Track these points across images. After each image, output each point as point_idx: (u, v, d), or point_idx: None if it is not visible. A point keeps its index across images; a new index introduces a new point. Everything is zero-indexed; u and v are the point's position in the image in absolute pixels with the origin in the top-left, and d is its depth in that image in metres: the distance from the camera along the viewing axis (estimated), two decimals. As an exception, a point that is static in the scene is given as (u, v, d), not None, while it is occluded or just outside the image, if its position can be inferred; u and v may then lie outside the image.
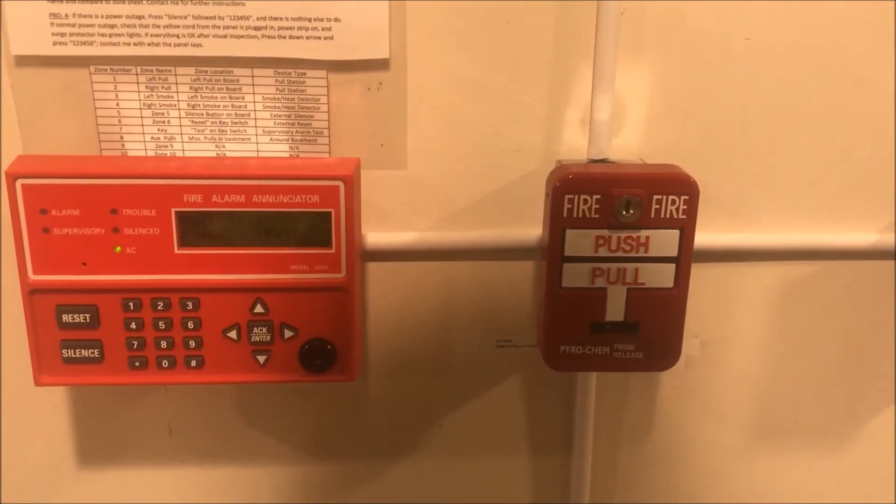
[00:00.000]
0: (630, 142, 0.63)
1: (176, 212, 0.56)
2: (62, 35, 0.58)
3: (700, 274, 0.65)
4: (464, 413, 0.70)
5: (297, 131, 0.61)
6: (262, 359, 0.59)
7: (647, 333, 0.59)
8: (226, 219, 0.56)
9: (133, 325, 0.58)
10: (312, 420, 0.69)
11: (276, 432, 0.70)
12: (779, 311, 0.68)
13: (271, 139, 0.61)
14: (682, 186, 0.56)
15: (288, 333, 0.59)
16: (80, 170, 0.55)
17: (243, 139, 0.61)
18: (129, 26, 0.58)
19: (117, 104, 0.60)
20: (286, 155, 0.61)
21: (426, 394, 0.69)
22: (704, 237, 0.64)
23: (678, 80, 0.61)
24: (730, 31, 0.60)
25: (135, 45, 0.58)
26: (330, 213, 0.56)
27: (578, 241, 0.57)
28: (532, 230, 0.64)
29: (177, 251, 0.56)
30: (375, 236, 0.63)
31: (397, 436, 0.71)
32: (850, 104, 0.62)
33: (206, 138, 0.61)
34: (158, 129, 0.61)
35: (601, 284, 0.58)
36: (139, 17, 0.58)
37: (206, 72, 0.60)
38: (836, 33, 0.61)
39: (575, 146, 0.63)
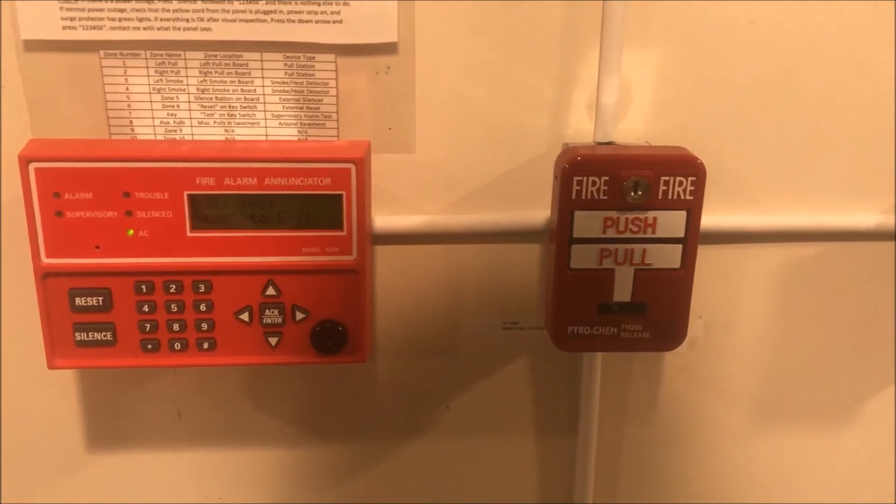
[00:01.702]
0: (636, 125, 0.63)
1: (188, 195, 0.56)
2: (72, 20, 0.58)
3: (704, 255, 0.66)
4: (471, 394, 0.71)
5: (305, 115, 0.62)
6: (273, 341, 0.59)
7: (654, 314, 0.60)
8: (238, 201, 0.56)
9: (145, 308, 0.58)
10: (321, 403, 0.70)
11: (285, 415, 0.70)
12: (782, 293, 0.69)
13: (280, 123, 0.62)
14: (689, 168, 0.56)
15: (299, 315, 0.59)
16: (93, 153, 0.55)
17: (252, 123, 0.62)
18: (138, 10, 0.58)
19: (127, 88, 0.60)
20: (295, 139, 0.62)
21: (434, 375, 0.70)
22: (709, 219, 0.64)
23: (683, 63, 0.62)
24: (735, 15, 0.61)
25: (144, 29, 0.58)
26: (341, 196, 0.57)
27: (587, 223, 0.58)
28: (539, 213, 0.64)
29: (189, 234, 0.57)
30: (384, 220, 0.64)
31: (405, 417, 0.71)
32: (854, 86, 0.63)
33: (215, 122, 0.62)
34: (168, 114, 0.61)
35: (609, 265, 0.59)
36: (149, 2, 0.58)
37: (216, 56, 0.60)
38: (839, 16, 0.61)
39: (581, 130, 0.63)
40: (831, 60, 0.62)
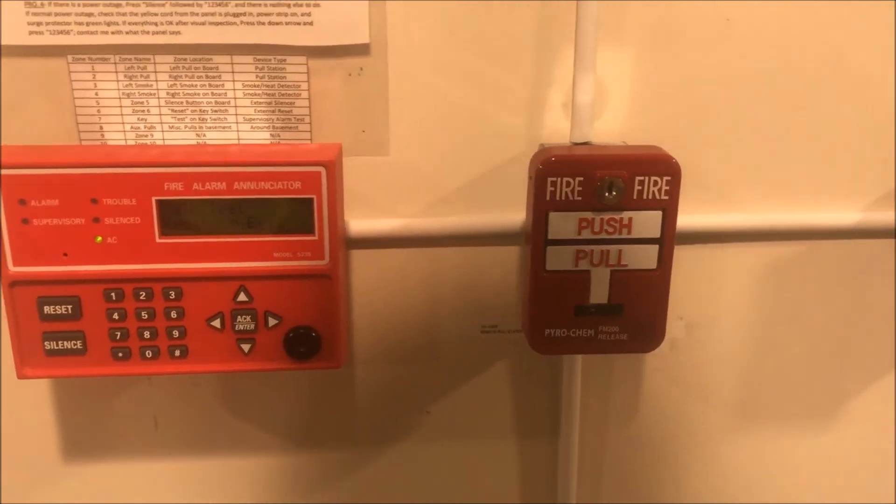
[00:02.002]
0: (612, 125, 0.63)
1: (157, 200, 0.55)
2: (38, 24, 0.57)
3: (684, 255, 0.66)
4: (451, 399, 0.70)
5: (277, 118, 0.61)
6: (246, 347, 0.59)
7: (631, 315, 0.59)
8: (207, 207, 0.56)
9: (115, 316, 0.57)
10: (299, 409, 0.69)
11: (263, 422, 0.70)
12: (763, 292, 0.68)
13: (252, 127, 0.61)
14: (664, 167, 0.56)
15: (272, 321, 0.58)
16: (58, 159, 0.55)
17: (224, 127, 0.61)
18: (106, 14, 0.57)
19: (96, 93, 0.60)
20: (267, 142, 0.61)
21: (413, 380, 0.69)
22: (688, 219, 0.64)
23: (659, 62, 0.61)
24: (710, 12, 0.60)
25: (112, 33, 0.58)
26: (312, 200, 0.56)
27: (562, 224, 0.57)
28: (517, 215, 0.63)
29: (158, 240, 0.56)
30: (359, 223, 0.63)
31: (385, 423, 0.71)
32: (831, 83, 0.63)
33: (186, 126, 0.61)
34: (138, 118, 0.61)
35: (585, 267, 0.58)
36: (116, 5, 0.57)
37: (186, 59, 0.59)
38: (816, 13, 0.61)
39: (558, 129, 0.63)
40: (808, 57, 0.62)
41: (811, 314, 0.69)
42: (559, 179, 0.56)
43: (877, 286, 0.68)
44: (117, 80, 0.60)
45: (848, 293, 0.69)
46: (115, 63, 0.59)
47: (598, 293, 0.59)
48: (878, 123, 0.64)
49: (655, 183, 0.56)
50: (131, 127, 0.61)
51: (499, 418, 0.71)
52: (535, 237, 0.58)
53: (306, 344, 0.58)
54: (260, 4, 0.57)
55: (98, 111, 0.60)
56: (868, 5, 0.61)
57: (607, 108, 0.63)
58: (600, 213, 0.57)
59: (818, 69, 0.62)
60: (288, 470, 0.71)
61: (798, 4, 0.60)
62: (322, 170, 0.55)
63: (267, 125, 0.61)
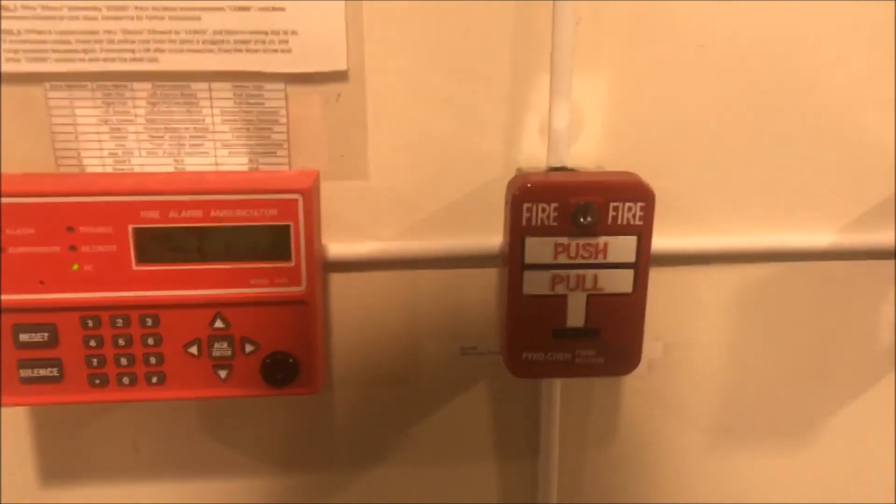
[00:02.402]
0: (588, 149, 0.63)
1: (133, 228, 0.55)
2: (15, 52, 0.57)
3: (661, 278, 0.66)
4: (430, 421, 0.70)
5: (256, 144, 0.61)
6: (223, 373, 0.59)
7: (607, 338, 0.59)
8: (183, 234, 0.56)
9: (92, 343, 0.57)
10: (279, 432, 0.69)
11: (243, 446, 0.69)
12: (739, 313, 0.69)
13: (230, 152, 0.61)
14: (638, 193, 0.56)
15: (249, 348, 0.58)
16: (34, 188, 0.55)
17: (202, 153, 0.61)
18: (83, 42, 0.57)
19: (74, 120, 0.60)
20: (245, 168, 0.61)
21: (392, 403, 0.69)
22: (664, 241, 0.64)
23: (634, 87, 0.62)
24: (684, 39, 0.61)
25: (90, 60, 0.58)
26: (289, 227, 0.56)
27: (538, 249, 0.57)
28: (495, 237, 0.64)
29: (135, 267, 0.56)
30: (338, 247, 0.63)
31: (364, 446, 0.71)
32: (804, 107, 0.63)
33: (164, 153, 0.61)
34: (116, 145, 0.61)
35: (561, 291, 0.58)
36: (93, 33, 0.57)
37: (164, 86, 0.60)
38: (789, 38, 0.62)
39: (534, 154, 0.63)
40: (781, 83, 0.63)
41: (787, 335, 0.70)
42: (535, 205, 0.56)
43: (851, 307, 0.69)
44: (95, 107, 0.60)
45: (823, 314, 0.69)
46: (92, 90, 0.59)
47: (575, 317, 0.59)
48: (851, 147, 0.65)
49: (630, 209, 0.56)
50: (109, 153, 0.61)
51: (478, 440, 0.71)
52: (512, 261, 0.58)
53: (283, 370, 0.59)
54: (237, 32, 0.58)
55: (76, 137, 0.60)
56: (840, 30, 0.61)
57: (583, 134, 0.63)
58: (576, 238, 0.57)
59: (791, 94, 0.63)
60: (267, 493, 0.71)
61: (771, 31, 0.61)
62: (299, 197, 0.56)
63: (245, 151, 0.61)
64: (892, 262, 0.68)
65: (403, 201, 0.64)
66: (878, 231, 0.67)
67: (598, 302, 0.59)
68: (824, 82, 0.63)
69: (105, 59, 0.58)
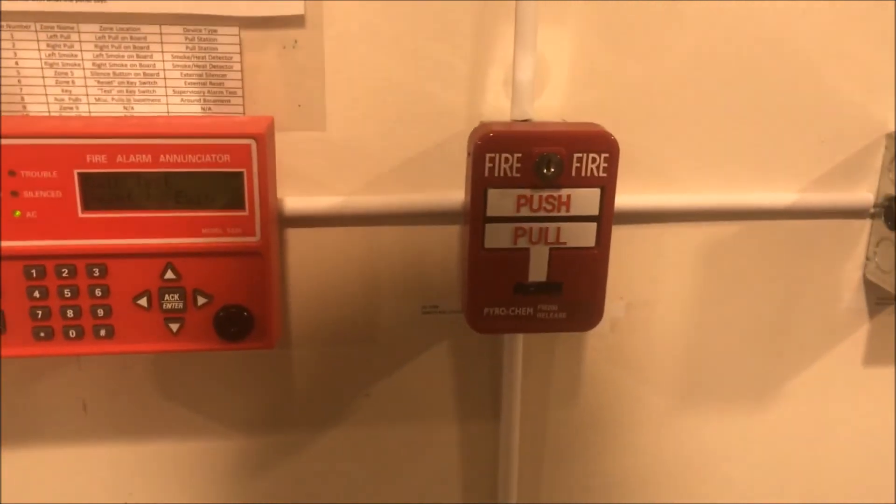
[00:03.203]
0: (553, 102, 0.62)
1: (79, 173, 0.53)
2: (-48, -12, 0.54)
3: (624, 235, 0.65)
4: (391, 381, 0.69)
5: (209, 91, 0.59)
6: (174, 327, 0.57)
7: (569, 293, 0.59)
8: (132, 180, 0.54)
9: (37, 294, 0.55)
10: (235, 392, 0.68)
11: (197, 405, 0.68)
12: (703, 272, 0.68)
13: (182, 100, 0.59)
14: (602, 144, 0.55)
15: (201, 300, 0.56)
16: (-28, 129, 0.52)
17: (153, 100, 0.59)
18: (26, -20, 0.55)
19: (16, 63, 0.57)
20: (198, 115, 0.59)
21: (352, 362, 0.68)
22: (628, 198, 0.64)
23: (600, 41, 0.61)
24: (650, -10, 0.60)
25: (34, -1, 0.55)
26: (242, 174, 0.54)
27: (500, 201, 0.56)
28: (458, 193, 0.62)
29: (81, 215, 0.54)
30: (295, 201, 0.62)
31: (324, 406, 0.69)
32: (770, 64, 0.63)
33: (113, 99, 0.59)
34: (62, 90, 0.58)
35: (524, 245, 0.57)
36: (37, -30, 0.55)
37: (112, 29, 0.57)
38: (754, -8, 0.61)
39: (499, 107, 0.62)
40: (748, 39, 0.62)
41: (750, 294, 0.69)
42: (497, 156, 0.55)
43: (815, 266, 0.69)
44: (39, 50, 0.57)
45: (786, 273, 0.69)
46: (36, 31, 0.57)
47: (537, 271, 0.58)
48: (816, 105, 0.64)
49: (594, 160, 0.55)
50: (55, 99, 0.58)
51: (440, 400, 0.70)
52: (473, 214, 0.57)
53: (238, 324, 0.57)
54: (190, -28, 0.55)
55: (19, 81, 0.58)
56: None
57: (548, 87, 0.62)
58: (539, 190, 0.56)
59: (758, 50, 0.62)
60: (223, 454, 0.70)
61: (737, -17, 0.60)
62: (252, 142, 0.54)
63: (198, 98, 0.59)
64: (857, 221, 0.68)
65: (363, 154, 0.62)
66: (843, 190, 0.67)
67: (561, 256, 0.58)
68: (790, 39, 0.62)
69: (50, -1, 0.55)
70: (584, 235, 0.57)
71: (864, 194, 0.67)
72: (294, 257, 0.64)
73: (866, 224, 0.68)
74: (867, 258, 0.69)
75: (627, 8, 0.60)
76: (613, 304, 0.68)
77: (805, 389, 0.73)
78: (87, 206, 0.54)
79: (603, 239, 0.58)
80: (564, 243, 0.57)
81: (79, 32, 0.57)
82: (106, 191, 0.54)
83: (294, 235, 0.63)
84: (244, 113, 0.59)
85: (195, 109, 0.59)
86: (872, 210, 0.67)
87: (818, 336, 0.72)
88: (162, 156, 0.53)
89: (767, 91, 0.63)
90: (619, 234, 0.63)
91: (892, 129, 0.65)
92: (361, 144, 0.62)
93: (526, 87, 0.59)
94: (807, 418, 0.74)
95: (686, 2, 0.60)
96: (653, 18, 0.61)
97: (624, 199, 0.62)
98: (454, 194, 0.63)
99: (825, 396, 0.74)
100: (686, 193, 0.65)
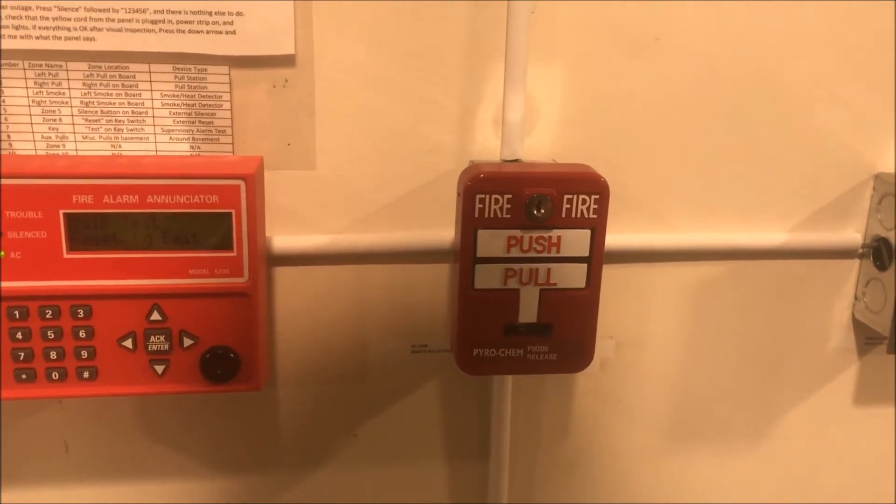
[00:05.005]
0: (543, 142, 0.62)
1: (64, 213, 0.52)
2: (-60, 26, 0.54)
3: (614, 275, 0.65)
4: (379, 421, 0.68)
5: (198, 130, 0.59)
6: (160, 369, 0.56)
7: (559, 334, 0.58)
8: (118, 221, 0.53)
9: (19, 336, 0.54)
10: (220, 432, 0.67)
11: (181, 446, 0.67)
12: (692, 311, 0.68)
13: (171, 138, 0.59)
14: (592, 185, 0.55)
15: (187, 341, 0.56)
16: (-44, 169, 0.52)
17: (141, 138, 0.58)
18: (14, 18, 0.54)
19: (2, 101, 0.57)
20: (187, 154, 0.59)
21: (340, 402, 0.67)
22: (618, 238, 0.63)
23: (590, 79, 0.61)
24: (640, 32, 0.60)
25: (22, 38, 0.55)
26: (230, 214, 0.54)
27: (490, 242, 0.56)
28: (447, 232, 0.62)
29: (66, 255, 0.53)
30: (283, 240, 0.61)
31: (310, 446, 0.68)
32: (758, 104, 0.63)
33: (100, 137, 0.58)
34: (49, 128, 0.58)
35: (514, 285, 0.57)
36: (26, 9, 0.54)
37: (101, 67, 0.57)
38: (744, 34, 0.61)
39: (488, 146, 0.62)
40: (737, 78, 0.62)
41: (739, 333, 0.69)
42: (488, 196, 0.55)
43: (804, 306, 0.69)
44: (27, 87, 0.57)
45: (776, 313, 0.69)
46: (24, 69, 0.56)
47: (527, 312, 0.58)
48: (804, 145, 0.64)
49: (584, 201, 0.55)
50: (42, 137, 0.58)
51: (428, 440, 0.69)
52: (463, 255, 0.56)
53: (224, 365, 0.56)
54: (180, 11, 0.55)
55: (5, 119, 0.57)
56: (795, 28, 0.61)
57: (538, 126, 0.62)
58: (529, 230, 0.56)
59: (746, 90, 0.63)
60: (209, 496, 0.68)
61: (726, 26, 0.61)
62: (241, 183, 0.53)
63: (186, 137, 0.59)
64: (845, 260, 0.68)
65: (352, 193, 0.62)
66: (831, 230, 0.67)
67: (551, 297, 0.57)
68: (779, 79, 0.63)
69: (38, 38, 0.55)
70: (574, 277, 0.57)
71: (853, 234, 0.67)
72: (282, 296, 0.63)
73: (855, 264, 0.68)
74: (856, 298, 0.69)
75: (617, 47, 0.60)
76: (603, 344, 0.67)
77: (795, 429, 0.73)
78: (72, 247, 0.53)
79: (593, 280, 0.57)
80: (555, 284, 0.57)
81: (67, 70, 0.57)
82: (92, 231, 0.53)
83: (282, 274, 0.63)
84: (233, 152, 0.59)
85: (184, 148, 0.59)
86: (861, 250, 0.67)
87: (808, 375, 0.71)
88: (149, 196, 0.52)
89: (756, 131, 0.64)
90: (608, 272, 0.63)
91: (880, 169, 0.66)
92: (351, 183, 0.61)
93: (516, 126, 0.59)
94: (797, 458, 0.74)
95: (675, 43, 0.61)
96: (642, 58, 0.61)
97: (614, 238, 0.62)
98: (444, 233, 0.62)
99: (816, 436, 0.74)
100: (676, 233, 0.65)
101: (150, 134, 0.58)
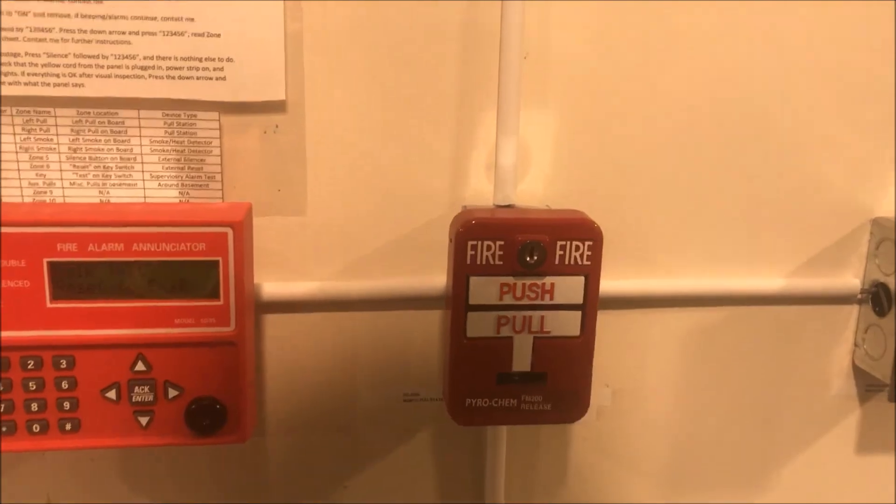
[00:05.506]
0: (536, 187, 0.62)
1: (48, 262, 0.51)
2: (-73, 73, 0.53)
3: (609, 321, 0.64)
4: (370, 471, 0.67)
5: (187, 176, 0.58)
6: (144, 420, 0.55)
7: (554, 383, 0.57)
8: (103, 269, 0.52)
9: (0, 387, 0.53)
10: (207, 482, 0.65)
11: (167, 497, 0.65)
12: (690, 358, 0.67)
13: (160, 184, 0.58)
14: (585, 232, 0.54)
15: (172, 392, 0.54)
16: (-62, 217, 0.51)
17: (129, 184, 0.58)
18: (3, 64, 0.54)
19: (-11, 147, 0.56)
20: (176, 200, 0.58)
21: (329, 452, 0.66)
22: (613, 284, 0.63)
23: (582, 125, 0.61)
24: (632, 77, 0.60)
25: (10, 84, 0.55)
26: (217, 262, 0.53)
27: (483, 289, 0.55)
28: (439, 278, 0.61)
29: (49, 304, 0.52)
30: (272, 286, 0.60)
31: (299, 498, 0.67)
32: (754, 149, 0.63)
33: (88, 184, 0.57)
34: (37, 174, 0.57)
35: (507, 333, 0.56)
36: (14, 55, 0.54)
37: (89, 113, 0.56)
38: (737, 79, 0.61)
39: (481, 192, 0.61)
40: (731, 123, 0.62)
41: (738, 381, 0.68)
42: (480, 243, 0.54)
43: (803, 353, 0.68)
44: (14, 134, 0.56)
45: (774, 359, 0.68)
46: (11, 115, 0.56)
47: (521, 361, 0.57)
48: (801, 191, 0.64)
49: (577, 248, 0.55)
50: (29, 183, 0.57)
51: (421, 491, 0.68)
52: (455, 302, 0.55)
53: (210, 417, 0.55)
54: (170, 58, 0.55)
55: (-8, 165, 0.56)
56: (789, 73, 0.61)
57: (530, 171, 0.61)
58: (522, 277, 0.55)
59: (740, 135, 0.62)
60: (194, 550, 0.66)
61: (720, 69, 0.61)
62: (228, 230, 0.52)
63: (175, 183, 0.58)
64: (844, 306, 0.67)
65: (343, 239, 0.61)
66: (829, 275, 0.66)
67: (545, 345, 0.56)
68: (774, 123, 0.62)
69: (27, 84, 0.55)
70: (568, 324, 0.56)
71: (851, 280, 0.66)
72: (271, 344, 0.62)
73: (854, 310, 0.67)
74: (856, 345, 0.68)
75: (609, 92, 0.60)
76: (599, 392, 0.66)
77: (796, 477, 0.71)
78: (55, 296, 0.52)
79: (588, 328, 0.56)
80: (549, 332, 0.56)
81: (55, 117, 0.56)
82: (76, 280, 0.52)
83: (271, 322, 0.62)
84: (223, 198, 0.58)
85: (173, 194, 0.58)
86: (859, 296, 0.66)
87: (808, 423, 0.70)
88: (135, 244, 0.52)
89: (752, 175, 0.63)
90: (604, 319, 0.62)
91: (877, 213, 0.65)
92: (342, 228, 0.61)
93: (508, 171, 0.59)
94: (797, 506, 0.73)
95: (670, 87, 0.60)
96: (636, 103, 0.61)
97: (609, 284, 0.61)
98: (436, 279, 0.61)
99: (817, 484, 0.72)
100: (671, 279, 0.64)
101: (139, 180, 0.58)
